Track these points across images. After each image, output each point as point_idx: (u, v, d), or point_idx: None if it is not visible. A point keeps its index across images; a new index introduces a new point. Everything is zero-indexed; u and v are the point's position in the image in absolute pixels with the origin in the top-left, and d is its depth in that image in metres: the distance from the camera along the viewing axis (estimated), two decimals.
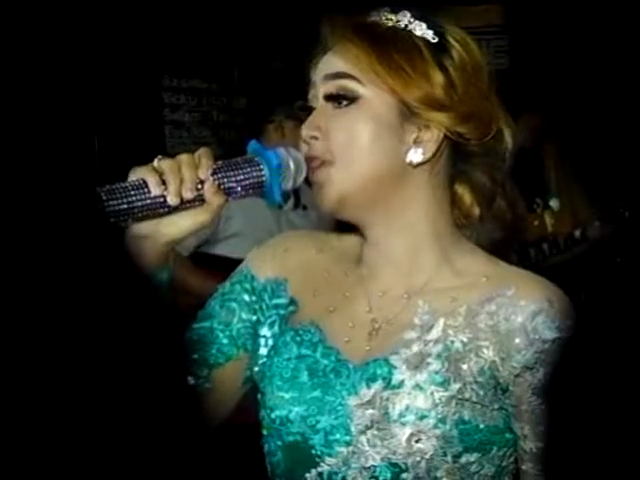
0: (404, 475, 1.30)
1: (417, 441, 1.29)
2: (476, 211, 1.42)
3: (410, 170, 1.35)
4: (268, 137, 3.47)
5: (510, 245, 1.44)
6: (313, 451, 1.34)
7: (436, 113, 1.33)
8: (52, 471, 0.69)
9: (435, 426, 1.29)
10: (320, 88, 1.37)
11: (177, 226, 1.29)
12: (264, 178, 1.33)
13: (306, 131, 1.37)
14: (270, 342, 1.45)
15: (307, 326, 1.41)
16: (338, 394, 1.34)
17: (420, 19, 1.37)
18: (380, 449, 1.30)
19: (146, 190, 1.25)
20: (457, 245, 1.40)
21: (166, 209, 1.27)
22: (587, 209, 3.43)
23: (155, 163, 1.28)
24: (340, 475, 1.32)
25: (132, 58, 4.31)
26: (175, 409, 0.80)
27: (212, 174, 1.29)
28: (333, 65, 1.36)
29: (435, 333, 1.33)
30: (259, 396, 1.42)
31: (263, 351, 1.45)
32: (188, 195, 1.27)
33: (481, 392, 1.31)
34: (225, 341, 1.45)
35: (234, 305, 1.47)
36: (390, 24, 1.37)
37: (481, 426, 1.31)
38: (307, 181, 1.40)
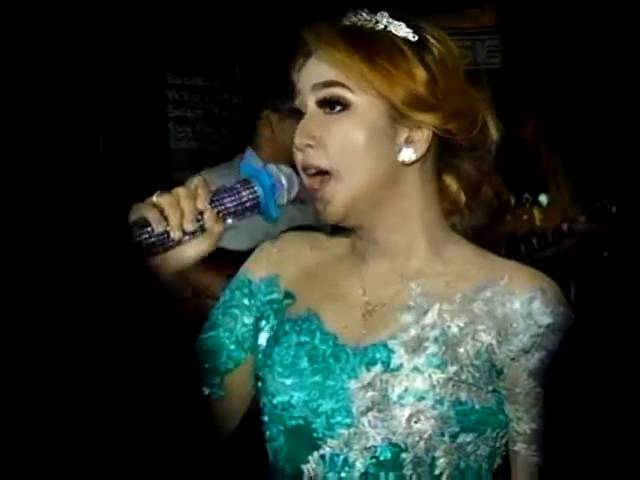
0: (404, 455, 1.33)
1: (416, 422, 1.32)
2: (462, 198, 1.45)
3: (403, 169, 1.38)
4: (260, 133, 3.48)
5: (497, 232, 1.47)
6: (315, 434, 1.36)
7: (424, 114, 1.35)
8: (63, 474, 0.70)
9: (433, 407, 1.32)
10: (309, 96, 1.38)
11: (180, 257, 1.32)
12: (260, 199, 1.35)
13: (300, 139, 1.37)
14: (267, 334, 1.47)
15: (304, 314, 1.43)
16: (338, 378, 1.36)
17: (399, 19, 1.39)
18: (381, 430, 1.33)
19: (149, 229, 1.27)
20: (446, 237, 1.43)
21: (170, 243, 1.29)
22: (575, 204, 3.45)
23: (154, 199, 1.30)
24: (342, 457, 1.35)
25: (137, 56, 4.36)
26: (192, 418, 0.79)
27: (210, 203, 1.32)
28: (321, 74, 1.36)
29: (431, 317, 1.36)
30: (259, 384, 1.44)
31: (262, 341, 1.48)
32: (189, 227, 1.30)
33: (477, 374, 1.34)
34: (232, 347, 1.48)
35: (236, 311, 1.50)
36: (370, 25, 1.38)
37: (477, 407, 1.34)
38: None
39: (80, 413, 0.68)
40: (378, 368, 1.35)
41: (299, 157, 1.38)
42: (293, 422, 1.39)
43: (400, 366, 1.34)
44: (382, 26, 1.38)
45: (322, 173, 1.37)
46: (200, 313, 1.52)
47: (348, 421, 1.35)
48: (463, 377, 1.34)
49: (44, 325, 0.69)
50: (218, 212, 1.32)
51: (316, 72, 1.37)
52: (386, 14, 1.39)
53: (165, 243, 1.29)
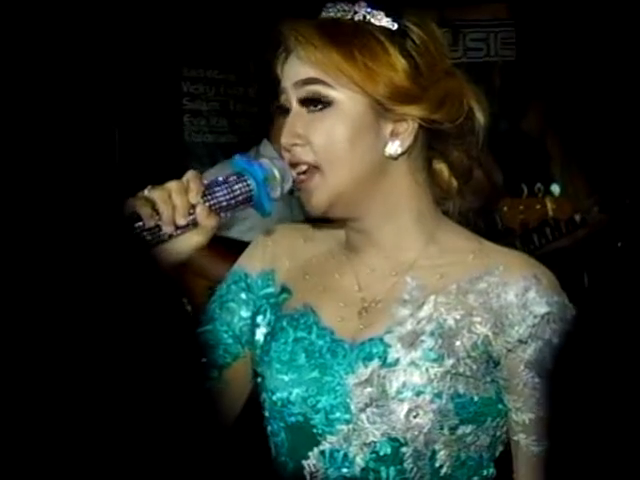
0: (403, 449, 1.33)
1: (415, 416, 1.32)
2: (455, 184, 1.44)
3: (390, 161, 1.37)
4: (277, 123, 3.54)
5: (489, 215, 1.48)
6: (315, 430, 1.36)
7: (408, 107, 1.34)
8: (63, 473, 0.69)
9: (431, 401, 1.31)
10: (291, 94, 1.37)
11: (174, 251, 1.31)
12: (253, 192, 1.34)
13: (286, 139, 1.37)
14: (264, 329, 1.47)
15: (301, 309, 1.43)
16: (336, 374, 1.36)
17: (377, 8, 1.37)
18: (380, 425, 1.33)
19: (140, 223, 1.26)
20: (440, 224, 1.42)
21: (162, 238, 1.28)
22: (588, 195, 3.44)
23: (146, 193, 1.28)
24: (342, 452, 1.35)
25: (153, 49, 4.38)
26: (193, 411, 0.78)
27: (202, 196, 1.31)
28: (301, 71, 1.36)
29: (427, 310, 1.36)
30: (259, 380, 1.44)
31: (259, 336, 1.48)
32: (181, 222, 1.29)
33: (474, 366, 1.34)
34: (230, 341, 1.48)
35: (233, 305, 1.50)
36: (348, 17, 1.37)
37: (475, 398, 1.34)
38: None
39: (79, 405, 0.69)
40: (375, 363, 1.34)
41: (287, 156, 1.38)
42: (293, 418, 1.39)
43: (397, 361, 1.34)
44: (361, 16, 1.37)
45: (310, 167, 1.37)
46: None
47: (347, 417, 1.35)
48: (460, 370, 1.33)
49: (45, 312, 0.69)
50: (210, 206, 1.32)
51: (296, 70, 1.37)
52: (364, 3, 1.38)
53: (157, 237, 1.28)
